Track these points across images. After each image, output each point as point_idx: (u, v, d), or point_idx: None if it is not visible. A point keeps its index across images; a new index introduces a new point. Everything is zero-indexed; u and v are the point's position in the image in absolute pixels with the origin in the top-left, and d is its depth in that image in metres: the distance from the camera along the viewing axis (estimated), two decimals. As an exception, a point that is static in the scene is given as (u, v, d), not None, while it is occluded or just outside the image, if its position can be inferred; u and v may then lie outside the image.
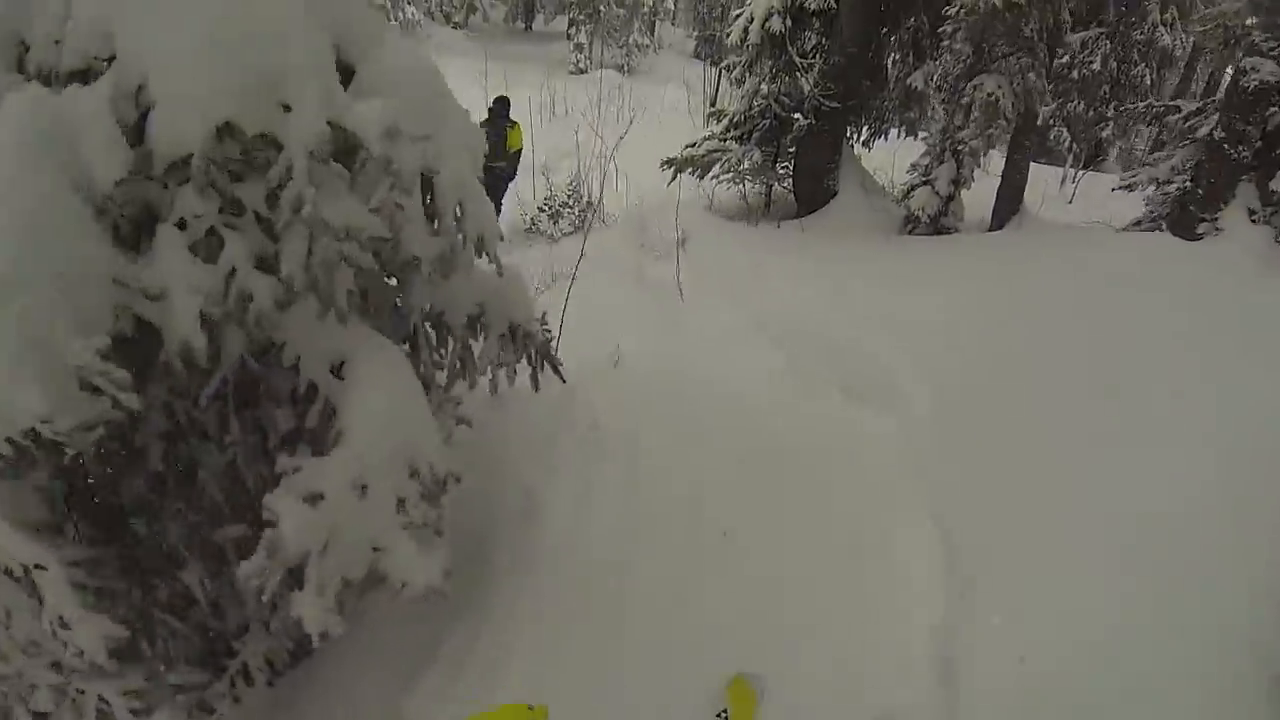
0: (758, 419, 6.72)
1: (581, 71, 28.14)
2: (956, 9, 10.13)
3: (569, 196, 13.19)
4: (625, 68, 29.09)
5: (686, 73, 25.62)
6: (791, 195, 13.43)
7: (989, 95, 10.24)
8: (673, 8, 32.18)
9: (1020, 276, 8.78)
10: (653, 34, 32.35)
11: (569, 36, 29.51)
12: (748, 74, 12.93)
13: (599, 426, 6.40)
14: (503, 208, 12.88)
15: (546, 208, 13.12)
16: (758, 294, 9.68)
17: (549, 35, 33.72)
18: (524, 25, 35.44)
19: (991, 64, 10.56)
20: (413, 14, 26.86)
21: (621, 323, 8.70)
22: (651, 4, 29.84)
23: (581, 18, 28.96)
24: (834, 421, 6.83)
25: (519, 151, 12.82)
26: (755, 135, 12.81)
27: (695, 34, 37.74)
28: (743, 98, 13.03)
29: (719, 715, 4.66)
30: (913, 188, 11.92)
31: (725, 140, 13.09)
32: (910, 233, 11.83)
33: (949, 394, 6.95)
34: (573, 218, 12.95)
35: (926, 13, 12.19)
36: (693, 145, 13.39)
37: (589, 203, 13.18)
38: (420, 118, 3.68)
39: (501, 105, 12.64)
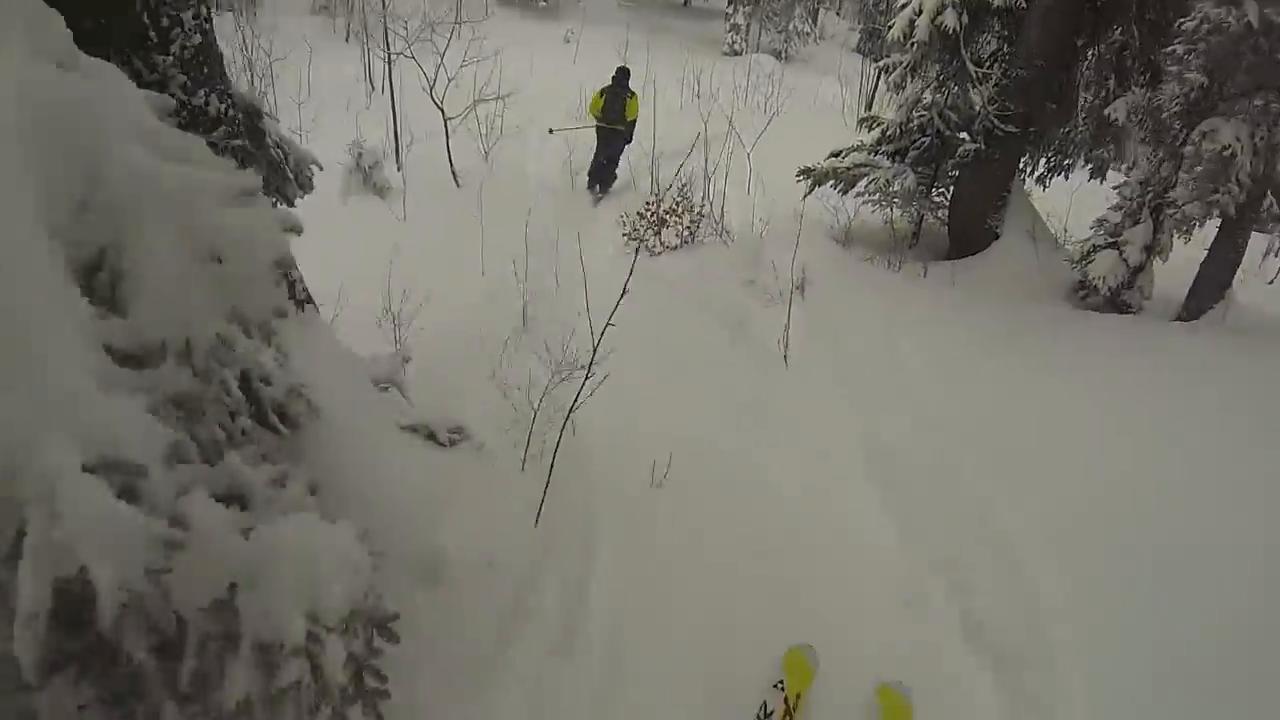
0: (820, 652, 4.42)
1: (736, 54, 25.92)
2: (1196, 22, 7.55)
3: (678, 203, 10.86)
4: (783, 54, 26.67)
5: (845, 67, 23.13)
6: (945, 228, 11.00)
7: (1223, 148, 7.64)
8: (837, -5, 29.45)
9: (1262, 422, 6.08)
10: (815, 22, 29.67)
11: (727, 16, 27.13)
12: (909, 78, 10.54)
13: (567, 646, 4.33)
14: (619, 165, 13.22)
15: (647, 212, 10.80)
16: (882, 383, 7.45)
17: (707, 12, 31.50)
18: (682, 1, 33.12)
19: (1224, 103, 7.98)
20: (565, -25, 24.89)
21: (696, 397, 6.63)
22: (816, -10, 27.22)
23: (741, -3, 26.61)
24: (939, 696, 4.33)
25: (634, 121, 12.88)
26: (911, 153, 10.43)
27: (859, 26, 34.94)
28: (900, 107, 10.64)
29: (775, 686, 4.21)
30: (1095, 248, 9.43)
31: (875, 154, 10.74)
32: (1083, 300, 9.45)
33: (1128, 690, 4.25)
34: (680, 229, 10.64)
35: (1139, 24, 9.60)
36: (837, 155, 11.10)
37: (700, 214, 10.86)
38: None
39: (622, 75, 12.80)
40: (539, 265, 9.01)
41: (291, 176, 6.49)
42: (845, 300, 8.79)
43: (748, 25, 27.10)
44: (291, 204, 6.54)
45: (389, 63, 13.06)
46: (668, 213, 10.84)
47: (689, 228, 10.88)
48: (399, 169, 13.22)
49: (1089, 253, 9.55)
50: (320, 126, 14.16)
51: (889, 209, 11.09)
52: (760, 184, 12.17)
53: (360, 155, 11.98)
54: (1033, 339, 8.16)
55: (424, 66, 12.62)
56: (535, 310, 8.31)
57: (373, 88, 17.45)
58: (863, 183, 10.92)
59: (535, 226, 10.02)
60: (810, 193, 11.00)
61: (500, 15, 24.05)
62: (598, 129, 12.83)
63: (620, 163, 13.19)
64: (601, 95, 12.78)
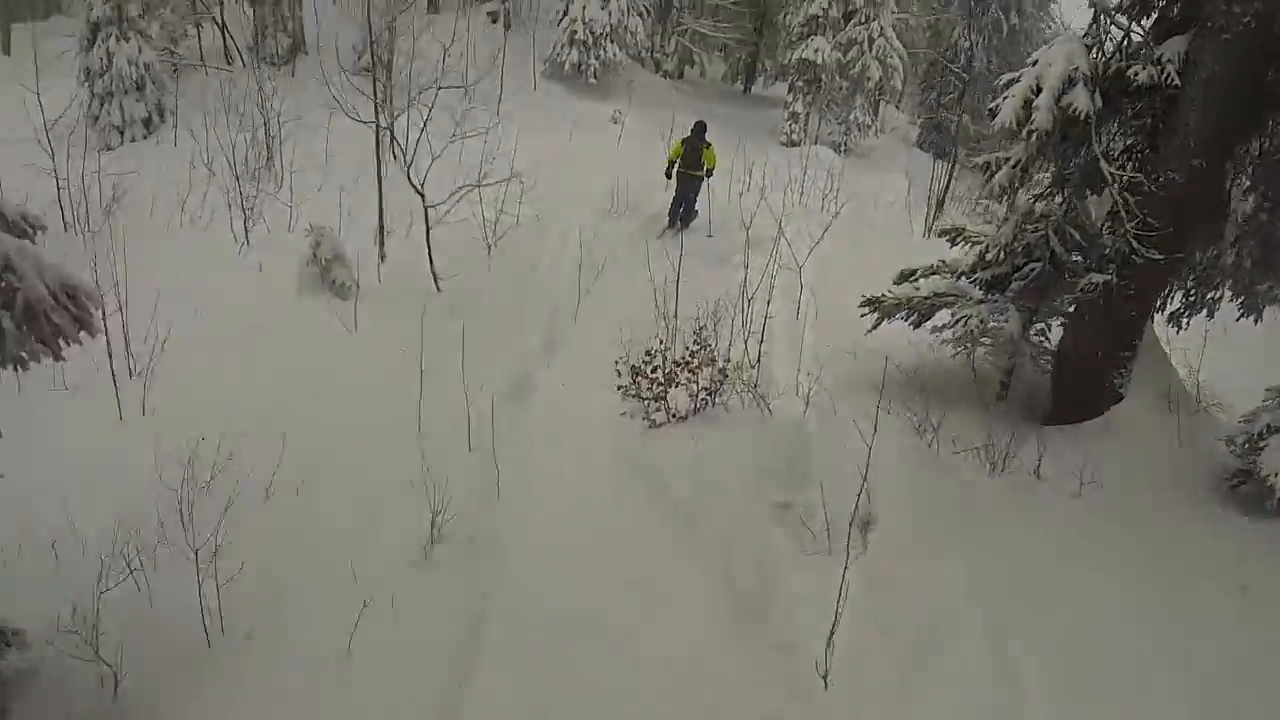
0: None
1: (794, 144, 23.17)
2: None
3: (693, 352, 7.68)
4: (842, 147, 23.65)
5: (908, 162, 20.15)
6: (1044, 375, 7.97)
7: None
8: (899, 87, 26.30)
9: None
10: (876, 114, 26.70)
11: (786, 104, 24.30)
12: (1019, 180, 7.39)
13: None
14: (697, 201, 13.72)
15: (650, 361, 7.71)
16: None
17: (766, 100, 28.60)
18: (742, 87, 30.36)
19: None
20: (614, 53, 22.02)
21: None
22: (878, 80, 24.09)
23: (800, 84, 23.65)
24: None
25: (713, 168, 13.54)
26: (1015, 283, 7.37)
27: (920, 120, 32.01)
28: (1005, 220, 7.54)
29: None
30: (1268, 430, 6.31)
31: (964, 279, 7.73)
32: (1234, 488, 6.64)
33: None
34: (695, 390, 7.47)
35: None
36: (910, 276, 8.11)
37: (723, 371, 7.64)
38: None
39: (699, 127, 13.48)
40: (484, 442, 6.08)
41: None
42: (931, 552, 5.66)
43: (807, 115, 24.20)
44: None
45: (377, 136, 10.21)
46: (679, 365, 7.63)
47: (708, 389, 7.66)
48: (382, 261, 10.41)
49: (1256, 439, 6.44)
50: (315, 202, 11.45)
51: (970, 351, 8.03)
52: (813, 303, 9.12)
53: (317, 245, 9.12)
54: (1214, 617, 5.00)
55: (423, 138, 9.82)
56: (456, 527, 5.36)
57: (394, 159, 14.65)
58: (943, 314, 7.92)
59: (513, 360, 7.13)
60: (875, 328, 7.99)
61: (545, 89, 21.42)
62: (677, 174, 13.40)
63: (699, 200, 13.73)
64: (682, 144, 13.43)
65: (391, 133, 9.88)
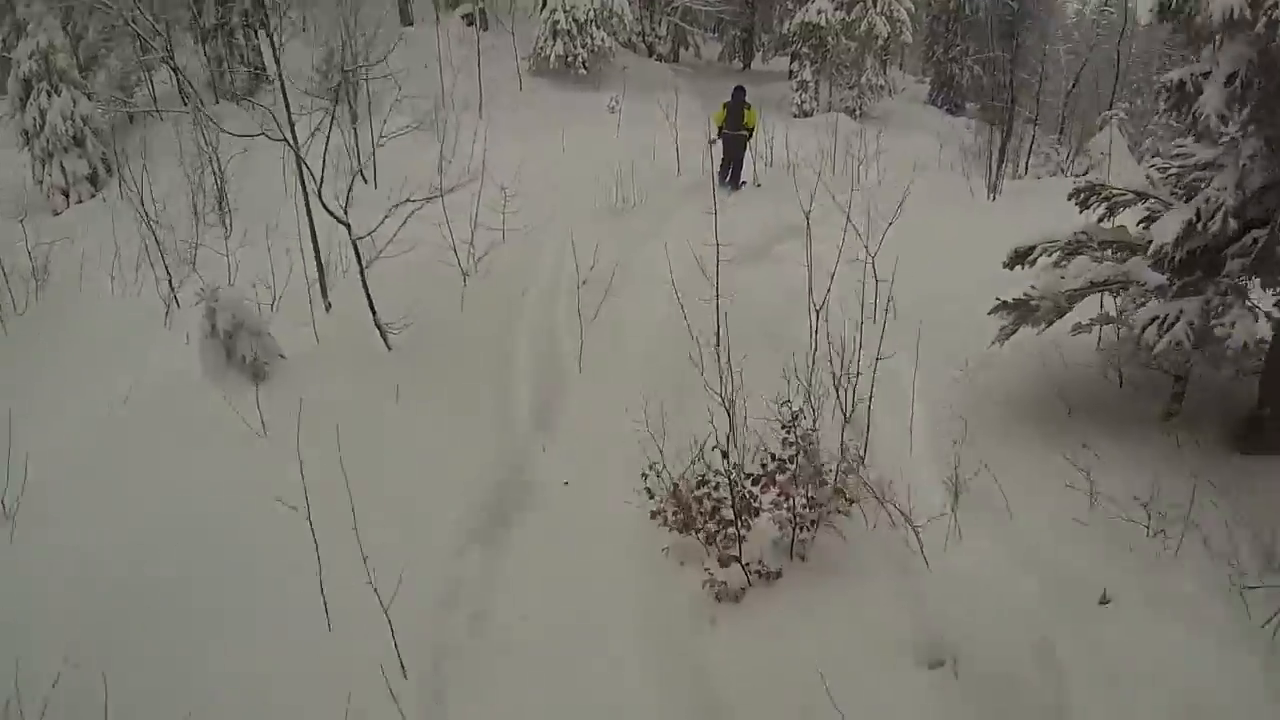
0: None
1: (806, 114, 20.53)
2: None
3: (781, 459, 4.23)
4: (857, 112, 20.75)
5: (929, 122, 17.26)
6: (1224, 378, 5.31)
7: None
8: (910, 41, 23.33)
9: None
10: (885, 74, 23.76)
11: (792, 73, 21.53)
12: (1238, 103, 4.55)
13: None
14: (744, 162, 13.58)
15: (713, 482, 4.31)
16: None
17: (769, 74, 25.72)
18: (741, 64, 27.49)
19: None
20: (603, 40, 19.32)
21: None
22: (886, 37, 21.23)
23: (805, 51, 20.87)
24: None
25: (753, 128, 13.44)
26: (1234, 261, 4.57)
27: (928, 79, 29.06)
28: (1219, 167, 4.74)
29: None
30: None
31: (1128, 255, 5.00)
32: None
33: None
34: (792, 514, 4.29)
35: None
36: (1028, 255, 5.35)
37: (837, 488, 4.31)
38: None
39: (739, 92, 13.47)
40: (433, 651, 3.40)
41: None
42: None
43: (816, 82, 21.38)
44: None
45: (298, 160, 7.34)
46: (758, 479, 4.32)
47: (805, 513, 4.32)
48: (327, 310, 7.71)
49: None
50: (258, 248, 8.78)
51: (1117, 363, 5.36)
52: (891, 309, 6.31)
53: (214, 313, 6.34)
54: None
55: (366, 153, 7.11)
56: None
57: (365, 181, 11.77)
58: (1086, 304, 5.23)
59: (490, 452, 4.52)
60: (1009, 337, 5.26)
61: (532, 87, 18.68)
62: (722, 135, 13.27)
63: (745, 159, 13.64)
64: (724, 109, 13.34)
65: (290, 142, 7.04)
